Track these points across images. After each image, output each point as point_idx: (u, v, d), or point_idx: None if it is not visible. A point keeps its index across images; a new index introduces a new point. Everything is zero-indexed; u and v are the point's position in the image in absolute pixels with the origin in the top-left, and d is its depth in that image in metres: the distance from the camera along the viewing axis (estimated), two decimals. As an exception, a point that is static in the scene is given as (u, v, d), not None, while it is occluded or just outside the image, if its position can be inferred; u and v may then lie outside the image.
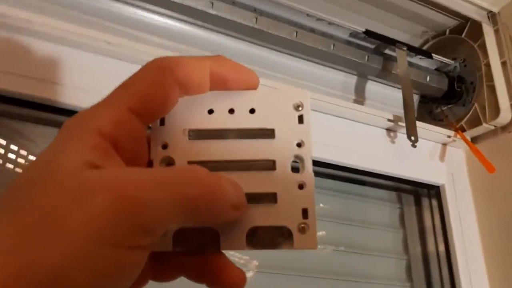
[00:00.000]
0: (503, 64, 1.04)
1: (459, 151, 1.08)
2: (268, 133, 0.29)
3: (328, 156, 0.89)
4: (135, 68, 0.27)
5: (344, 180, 1.03)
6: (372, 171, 0.95)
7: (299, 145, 0.29)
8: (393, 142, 1.00)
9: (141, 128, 0.27)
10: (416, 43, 1.21)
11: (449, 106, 1.14)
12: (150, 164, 0.29)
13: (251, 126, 0.30)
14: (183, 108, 0.29)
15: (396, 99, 1.13)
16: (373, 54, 1.02)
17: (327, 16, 0.95)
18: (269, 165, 0.29)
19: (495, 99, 1.01)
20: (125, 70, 0.27)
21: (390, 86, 1.12)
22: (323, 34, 0.96)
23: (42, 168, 0.23)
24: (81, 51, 0.73)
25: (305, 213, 0.28)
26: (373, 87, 1.11)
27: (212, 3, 0.84)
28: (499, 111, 0.99)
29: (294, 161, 0.30)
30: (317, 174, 0.30)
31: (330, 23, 0.96)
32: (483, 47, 1.06)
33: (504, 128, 1.01)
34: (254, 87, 0.30)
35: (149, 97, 0.26)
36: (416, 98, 1.20)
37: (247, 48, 0.95)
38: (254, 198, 0.28)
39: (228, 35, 0.92)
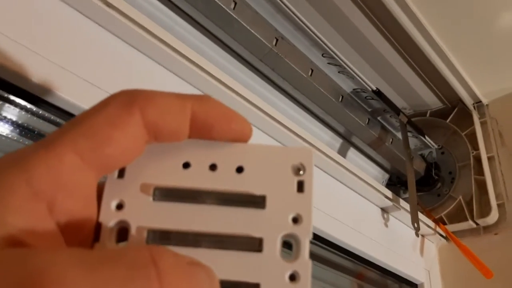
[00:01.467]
0: (490, 159, 0.96)
1: (432, 246, 0.96)
2: (257, 201, 0.23)
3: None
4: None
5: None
6: (354, 250, 0.78)
7: (295, 220, 0.23)
8: (385, 224, 0.84)
9: (91, 181, 0.21)
10: (389, 118, 1.11)
11: (420, 193, 1.03)
12: (98, 228, 0.22)
13: (236, 189, 0.24)
14: (150, 158, 0.24)
15: (372, 175, 0.99)
16: (372, 118, 0.87)
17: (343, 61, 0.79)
18: (254, 245, 0.23)
19: (482, 196, 0.93)
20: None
21: (369, 159, 0.98)
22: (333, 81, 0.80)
23: None
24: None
25: None
26: (353, 156, 0.95)
27: (235, 3, 0.63)
28: (489, 209, 0.90)
29: (286, 241, 0.23)
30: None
31: (340, 71, 0.80)
32: (473, 138, 0.98)
33: (486, 228, 0.92)
34: (245, 139, 0.24)
35: (105, 141, 0.21)
36: (385, 178, 1.08)
37: (249, 78, 0.74)
38: None
39: (238, 55, 0.71)
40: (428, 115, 1.08)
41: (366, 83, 0.83)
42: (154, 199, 0.23)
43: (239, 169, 0.24)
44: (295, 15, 0.69)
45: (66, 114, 0.46)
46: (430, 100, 1.05)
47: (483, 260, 0.86)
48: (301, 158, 0.25)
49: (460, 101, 1.02)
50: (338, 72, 0.82)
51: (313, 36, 0.73)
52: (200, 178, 0.24)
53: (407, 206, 0.85)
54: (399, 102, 1.07)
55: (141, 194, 0.23)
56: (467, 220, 0.91)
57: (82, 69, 0.46)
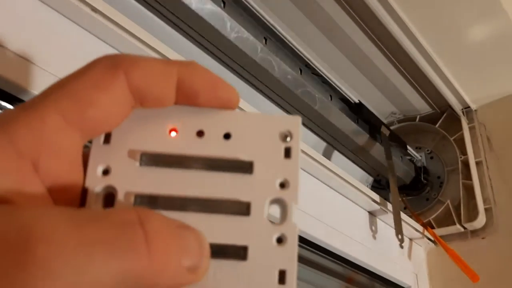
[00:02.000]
0: (478, 164, 0.97)
1: (421, 249, 0.97)
2: (245, 167, 0.24)
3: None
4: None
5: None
6: (343, 254, 0.78)
7: (282, 185, 0.24)
8: (373, 228, 0.84)
9: (76, 143, 0.21)
10: (379, 122, 1.12)
11: (409, 197, 1.04)
12: (84, 193, 0.22)
13: (224, 155, 0.24)
14: (137, 124, 0.23)
15: (358, 176, 1.00)
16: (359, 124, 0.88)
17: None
18: (242, 209, 0.23)
19: (470, 201, 0.93)
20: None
21: (354, 162, 0.99)
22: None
23: None
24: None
25: (282, 276, 0.22)
26: (337, 159, 0.96)
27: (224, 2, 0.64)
28: (477, 213, 0.90)
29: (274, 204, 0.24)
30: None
31: (324, 81, 0.82)
32: (460, 143, 0.99)
33: (474, 232, 0.93)
34: (232, 106, 0.24)
35: (90, 103, 0.20)
36: (370, 180, 1.09)
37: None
38: (217, 251, 0.22)
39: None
40: (417, 120, 1.09)
41: (348, 96, 0.84)
42: (141, 165, 0.23)
43: (227, 136, 0.24)
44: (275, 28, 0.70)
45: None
46: (420, 105, 1.06)
47: (471, 264, 0.86)
48: (288, 125, 0.25)
49: (449, 106, 1.03)
50: (323, 82, 0.83)
51: (294, 50, 0.74)
52: (187, 144, 0.24)
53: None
54: (388, 107, 1.08)
55: (127, 159, 0.23)
56: (454, 224, 0.92)
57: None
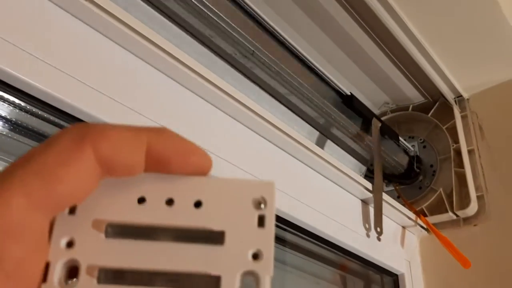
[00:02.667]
0: (470, 152, 0.98)
1: (414, 237, 0.98)
2: (215, 237, 0.22)
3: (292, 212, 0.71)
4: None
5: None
6: (336, 242, 0.79)
7: (255, 256, 0.22)
8: (366, 216, 0.85)
9: (42, 222, 0.20)
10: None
11: (402, 186, 1.05)
12: (47, 268, 0.21)
13: (194, 224, 0.23)
14: (104, 193, 0.22)
15: (351, 165, 1.01)
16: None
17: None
18: (211, 283, 0.22)
19: (462, 188, 0.94)
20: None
21: (346, 151, 1.00)
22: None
23: None
24: None
25: None
26: (330, 148, 0.97)
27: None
28: (469, 201, 0.91)
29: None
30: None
31: (316, 73, 0.82)
32: (453, 131, 1.00)
33: (466, 220, 0.94)
34: (204, 172, 0.23)
35: (56, 180, 0.20)
36: (363, 170, 1.10)
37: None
38: None
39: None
40: (410, 109, 1.09)
41: (339, 88, 0.84)
42: (106, 236, 0.22)
43: (197, 204, 0.23)
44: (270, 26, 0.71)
45: (56, 111, 0.47)
46: (412, 94, 1.06)
47: (463, 251, 0.87)
48: (262, 191, 0.23)
49: (441, 95, 1.03)
50: (315, 74, 0.83)
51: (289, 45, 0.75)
52: (156, 213, 0.23)
53: (387, 198, 0.87)
54: (382, 97, 1.08)
55: (92, 230, 0.22)
56: (447, 212, 0.93)
57: (71, 67, 0.47)
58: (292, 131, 0.71)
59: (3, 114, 0.49)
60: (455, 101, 1.05)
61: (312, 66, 0.82)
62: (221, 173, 0.60)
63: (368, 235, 0.84)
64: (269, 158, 0.70)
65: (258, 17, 0.73)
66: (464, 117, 1.02)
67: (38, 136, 0.53)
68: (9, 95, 0.46)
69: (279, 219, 0.70)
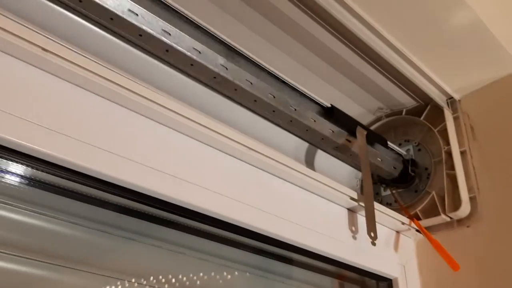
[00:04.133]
0: (462, 153, 0.99)
1: (410, 241, 0.99)
2: None
3: (280, 232, 0.74)
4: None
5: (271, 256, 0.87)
6: (321, 253, 0.82)
7: None
8: (354, 224, 0.88)
9: None
10: (368, 118, 1.14)
11: (399, 190, 1.06)
12: None
13: None
14: None
15: (346, 172, 1.03)
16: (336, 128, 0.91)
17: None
18: None
19: (455, 190, 0.95)
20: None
21: (340, 159, 1.03)
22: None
23: None
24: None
25: None
26: (322, 157, 1.00)
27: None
28: (460, 203, 0.92)
29: None
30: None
31: (301, 94, 0.86)
32: (444, 134, 1.01)
33: (460, 221, 0.95)
34: None
35: None
36: (359, 175, 1.12)
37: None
38: None
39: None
40: (404, 113, 1.11)
41: (319, 102, 0.87)
42: None
43: None
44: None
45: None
46: (404, 99, 1.08)
47: (457, 252, 0.89)
48: None
49: (432, 99, 1.04)
50: (295, 90, 0.87)
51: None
52: None
53: (377, 205, 0.89)
54: (374, 103, 1.10)
55: None
56: (440, 214, 0.94)
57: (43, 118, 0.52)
58: (268, 151, 0.75)
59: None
60: (447, 103, 1.05)
61: (291, 84, 0.85)
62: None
63: (358, 242, 0.86)
64: (244, 178, 0.74)
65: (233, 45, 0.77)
66: (456, 118, 1.03)
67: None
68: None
69: (266, 238, 0.74)
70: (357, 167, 1.06)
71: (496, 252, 0.88)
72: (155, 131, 0.65)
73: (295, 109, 0.85)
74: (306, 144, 0.99)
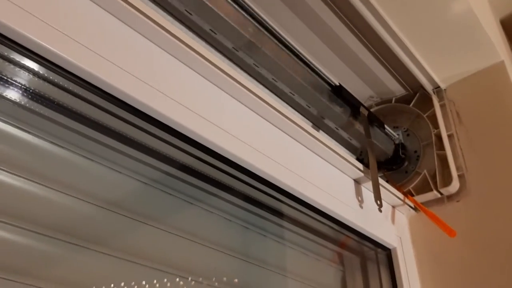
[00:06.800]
0: (449, 137, 1.07)
1: (403, 216, 1.06)
2: None
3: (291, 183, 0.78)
4: None
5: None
6: (331, 214, 0.86)
7: None
8: (359, 194, 0.93)
9: None
10: (359, 106, 1.21)
11: (390, 172, 1.13)
12: None
13: None
14: None
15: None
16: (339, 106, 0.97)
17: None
18: None
19: (445, 169, 1.03)
20: None
21: (337, 141, 1.08)
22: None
23: None
24: None
25: None
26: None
27: None
28: (450, 180, 1.00)
29: None
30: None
31: (306, 64, 0.91)
32: (433, 119, 1.09)
33: (449, 197, 1.02)
34: None
35: None
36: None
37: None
38: None
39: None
40: (393, 101, 1.19)
41: (328, 79, 0.93)
42: None
43: None
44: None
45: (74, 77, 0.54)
46: (394, 87, 1.16)
47: (449, 224, 0.96)
48: None
49: (421, 87, 1.13)
50: (305, 64, 0.92)
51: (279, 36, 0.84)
52: None
53: (379, 179, 0.95)
54: (366, 91, 1.17)
55: None
56: (431, 190, 1.02)
57: (86, 38, 0.55)
58: (288, 112, 0.79)
59: (22, 83, 0.55)
60: (434, 91, 1.14)
61: (304, 58, 0.90)
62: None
63: (363, 211, 0.92)
64: (267, 136, 0.78)
65: (254, 13, 0.81)
66: (442, 106, 1.12)
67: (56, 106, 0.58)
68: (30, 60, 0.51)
69: (282, 191, 0.78)
70: (352, 149, 1.12)
71: (484, 223, 0.96)
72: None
73: (303, 85, 0.90)
74: (309, 124, 1.04)
